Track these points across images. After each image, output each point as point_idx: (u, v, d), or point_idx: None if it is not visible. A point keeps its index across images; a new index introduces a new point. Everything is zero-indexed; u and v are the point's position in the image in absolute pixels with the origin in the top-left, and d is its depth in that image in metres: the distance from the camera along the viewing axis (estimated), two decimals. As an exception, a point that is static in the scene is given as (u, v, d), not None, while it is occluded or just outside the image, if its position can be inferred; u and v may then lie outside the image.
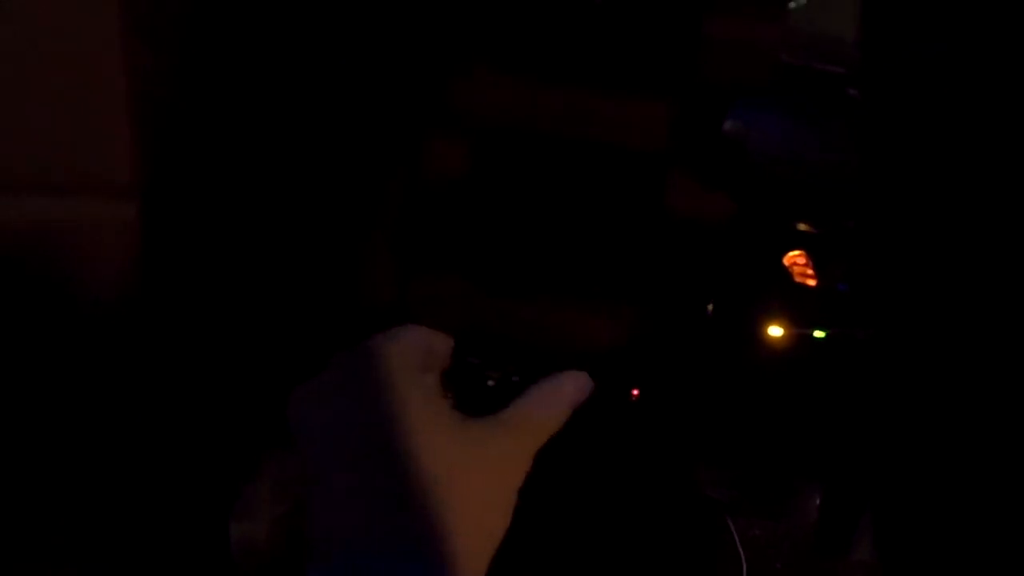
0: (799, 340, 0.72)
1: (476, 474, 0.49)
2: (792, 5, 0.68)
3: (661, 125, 0.67)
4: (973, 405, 0.65)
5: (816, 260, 0.72)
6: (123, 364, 0.75)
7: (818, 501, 0.81)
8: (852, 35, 0.68)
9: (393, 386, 0.50)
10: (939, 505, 0.68)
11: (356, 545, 0.46)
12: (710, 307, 0.71)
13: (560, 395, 0.56)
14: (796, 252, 0.72)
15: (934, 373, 0.65)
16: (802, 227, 0.68)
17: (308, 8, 0.71)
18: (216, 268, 0.75)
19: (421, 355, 0.53)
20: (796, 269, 0.72)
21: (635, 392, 0.72)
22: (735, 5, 0.65)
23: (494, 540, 0.49)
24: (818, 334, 0.72)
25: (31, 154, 0.71)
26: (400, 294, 0.69)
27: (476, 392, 0.69)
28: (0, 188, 0.70)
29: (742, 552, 0.86)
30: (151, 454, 0.77)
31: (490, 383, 0.70)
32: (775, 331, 0.72)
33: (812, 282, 0.72)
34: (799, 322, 0.72)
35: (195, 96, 0.74)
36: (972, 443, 0.66)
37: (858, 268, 0.70)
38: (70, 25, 0.68)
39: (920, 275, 0.63)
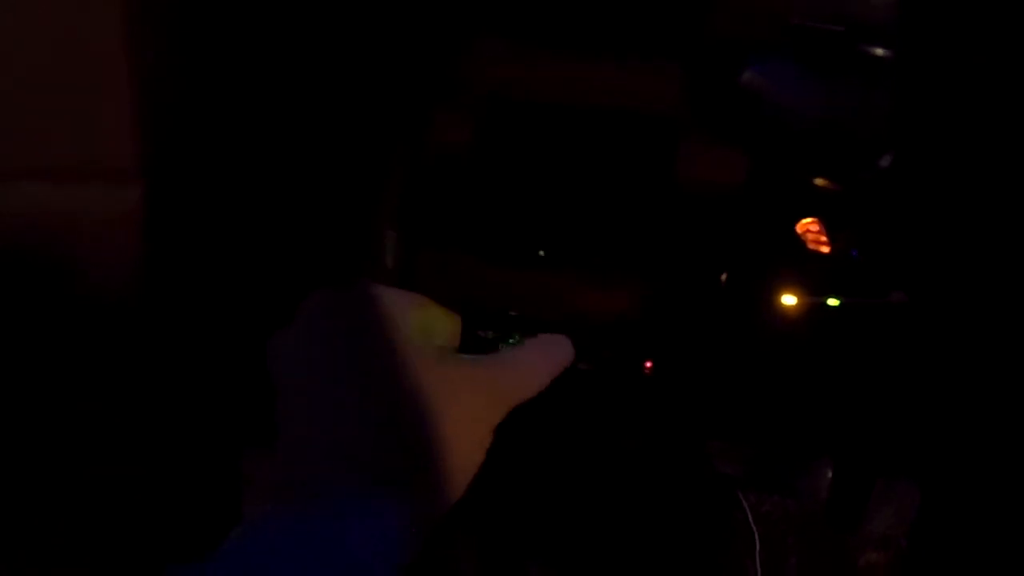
0: (813, 308, 0.71)
1: (457, 406, 0.48)
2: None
3: (672, 88, 0.66)
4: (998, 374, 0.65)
5: (829, 226, 0.71)
6: (126, 354, 0.74)
7: (830, 475, 0.80)
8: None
9: (382, 318, 0.49)
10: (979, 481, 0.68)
11: (332, 478, 0.46)
12: (723, 277, 0.70)
13: (544, 363, 0.56)
14: (809, 219, 0.72)
15: (967, 339, 0.65)
16: (819, 182, 0.68)
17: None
18: (220, 251, 0.74)
19: (416, 314, 0.53)
20: (809, 236, 0.72)
21: (648, 364, 0.71)
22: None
23: (470, 472, 0.49)
24: (832, 302, 0.71)
25: (33, 142, 0.70)
26: (407, 268, 0.68)
27: None
28: (2, 176, 0.69)
29: (754, 526, 0.85)
30: (154, 450, 0.76)
31: None
32: (789, 299, 0.71)
33: (826, 249, 0.71)
34: (813, 290, 0.71)
35: (197, 80, 0.74)
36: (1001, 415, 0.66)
37: (878, 233, 0.70)
38: (72, 12, 0.67)
39: (948, 238, 0.62)
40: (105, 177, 0.71)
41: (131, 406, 0.75)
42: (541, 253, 0.69)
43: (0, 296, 0.71)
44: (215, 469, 0.79)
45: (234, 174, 0.74)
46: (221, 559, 0.43)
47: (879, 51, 0.64)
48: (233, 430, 0.78)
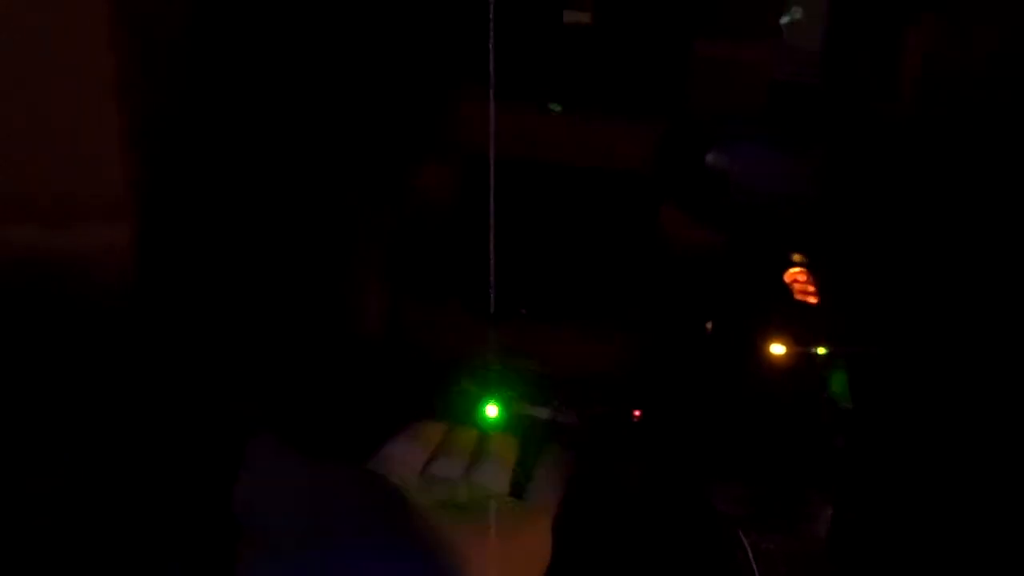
0: (802, 357, 0.71)
1: None
2: (784, 20, 0.67)
3: (652, 148, 0.66)
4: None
5: (817, 277, 0.71)
6: (119, 379, 0.75)
7: (831, 514, 0.80)
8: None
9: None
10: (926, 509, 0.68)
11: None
12: (709, 325, 0.70)
13: None
14: (797, 269, 0.71)
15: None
16: (796, 258, 0.68)
17: (297, 37, 0.71)
18: (208, 291, 0.75)
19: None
20: (797, 287, 0.71)
21: (637, 413, 0.71)
22: (726, 25, 0.64)
23: None
24: (821, 351, 0.71)
25: (27, 184, 0.72)
26: (392, 322, 0.69)
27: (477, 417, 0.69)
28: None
29: (755, 566, 0.85)
30: (147, 470, 0.77)
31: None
32: (777, 349, 0.71)
33: (813, 299, 0.71)
34: (802, 339, 0.71)
35: (187, 123, 0.74)
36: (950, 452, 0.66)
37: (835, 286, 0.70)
38: (65, 60, 0.68)
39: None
40: (98, 217, 0.73)
41: (126, 424, 0.75)
42: (523, 311, 0.69)
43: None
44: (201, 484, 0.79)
45: (223, 212, 0.75)
46: None
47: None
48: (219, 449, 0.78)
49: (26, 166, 0.71)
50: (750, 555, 0.85)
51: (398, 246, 0.69)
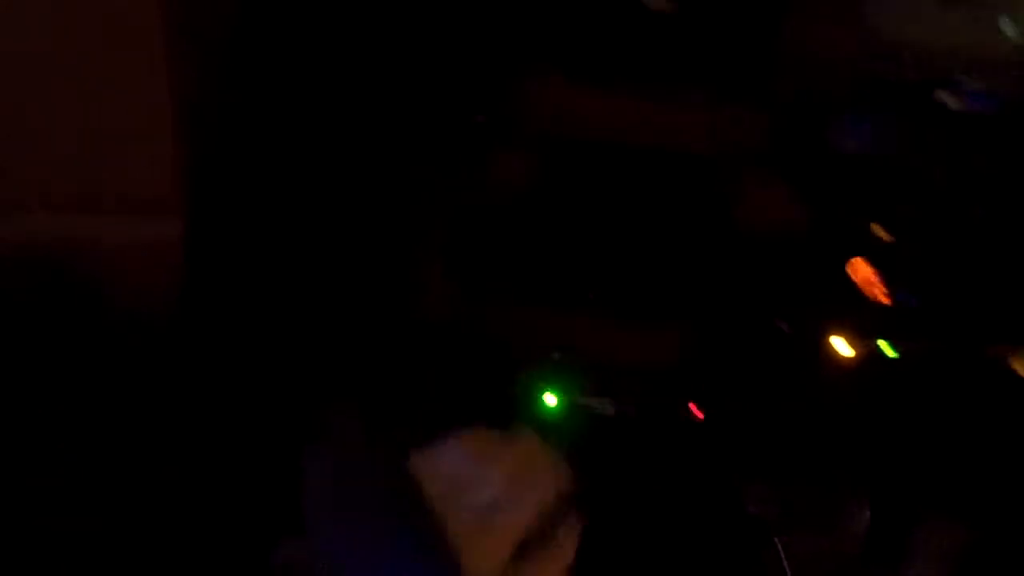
0: (868, 356, 0.70)
1: None
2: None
3: (732, 129, 0.65)
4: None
5: (886, 274, 0.70)
6: (164, 376, 0.73)
7: (868, 515, 0.79)
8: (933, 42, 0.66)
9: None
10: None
11: None
12: (784, 325, 0.69)
13: None
14: (860, 259, 0.70)
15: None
16: (877, 231, 0.66)
17: (363, 20, 0.69)
18: (260, 285, 0.74)
19: None
20: (863, 281, 0.70)
21: (693, 407, 0.70)
22: (812, 11, 0.62)
23: None
24: (890, 353, 0.70)
25: (78, 176, 0.71)
26: (455, 310, 0.67)
27: None
28: (48, 208, 0.71)
29: (787, 568, 0.84)
30: (185, 467, 0.76)
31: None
32: (843, 347, 0.70)
33: (884, 298, 0.70)
34: (866, 337, 0.70)
35: (239, 116, 0.73)
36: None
37: (933, 282, 0.68)
38: (117, 53, 0.67)
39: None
40: (148, 210, 0.72)
41: (167, 421, 0.74)
42: (591, 296, 0.67)
43: (37, 319, 0.71)
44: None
45: (277, 205, 0.74)
46: None
47: (949, 100, 0.63)
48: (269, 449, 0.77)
49: (78, 159, 0.70)
50: (783, 556, 0.84)
51: (463, 231, 0.68)
